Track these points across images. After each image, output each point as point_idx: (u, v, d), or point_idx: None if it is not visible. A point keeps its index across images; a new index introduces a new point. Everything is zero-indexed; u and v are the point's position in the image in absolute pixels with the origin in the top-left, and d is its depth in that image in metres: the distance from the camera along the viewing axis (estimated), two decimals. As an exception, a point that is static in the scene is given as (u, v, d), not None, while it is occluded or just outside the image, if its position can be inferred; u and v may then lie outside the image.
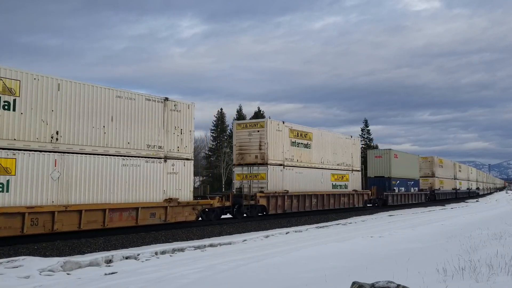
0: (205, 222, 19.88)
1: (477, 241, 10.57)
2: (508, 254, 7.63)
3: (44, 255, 12.76)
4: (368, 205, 35.46)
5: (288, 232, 20.13)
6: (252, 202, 22.15)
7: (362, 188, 34.12)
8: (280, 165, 24.40)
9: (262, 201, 22.66)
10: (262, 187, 23.17)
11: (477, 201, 60.78)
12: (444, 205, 46.38)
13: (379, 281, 5.80)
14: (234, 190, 23.56)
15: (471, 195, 75.39)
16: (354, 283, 6.01)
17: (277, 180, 24.00)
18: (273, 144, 23.98)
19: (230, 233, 19.04)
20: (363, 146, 73.30)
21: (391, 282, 5.72)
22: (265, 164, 23.42)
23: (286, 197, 24.40)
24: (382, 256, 10.82)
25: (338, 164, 30.35)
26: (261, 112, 74.34)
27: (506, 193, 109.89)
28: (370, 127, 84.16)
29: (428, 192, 49.72)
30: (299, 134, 26.36)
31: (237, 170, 24.26)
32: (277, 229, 21.13)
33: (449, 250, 9.46)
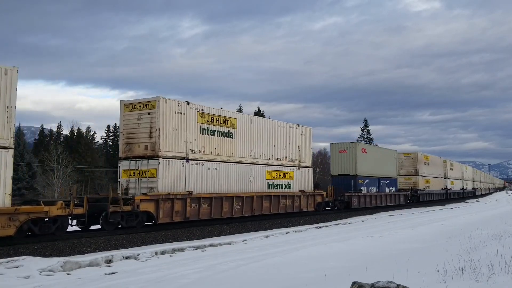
0: (205, 222, 19.81)
1: (477, 241, 10.57)
2: (508, 254, 7.63)
3: (44, 255, 12.75)
4: (327, 208, 29.97)
5: (288, 232, 20.14)
6: (128, 208, 16.28)
7: (316, 188, 28.64)
8: (182, 158, 18.57)
9: (146, 206, 16.88)
10: (152, 187, 17.78)
11: (477, 201, 60.77)
12: (444, 205, 46.36)
13: (379, 281, 5.80)
14: (120, 192, 18.34)
15: (466, 195, 70.38)
16: (354, 283, 6.01)
17: (175, 178, 18.25)
18: (170, 130, 18.32)
19: (230, 233, 19.04)
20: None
21: (391, 282, 5.72)
22: (155, 156, 17.82)
23: (189, 200, 18.36)
24: (382, 256, 10.82)
25: (277, 159, 24.54)
26: (261, 112, 74.34)
27: (506, 193, 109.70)
28: (370, 127, 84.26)
29: (409, 192, 44.17)
30: (215, 120, 20.52)
31: (123, 165, 18.68)
32: (277, 229, 21.13)
33: (449, 250, 9.46)
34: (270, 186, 23.85)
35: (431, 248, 11.15)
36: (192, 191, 18.64)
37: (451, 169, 62.55)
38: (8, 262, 11.20)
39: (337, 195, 30.40)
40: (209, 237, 17.71)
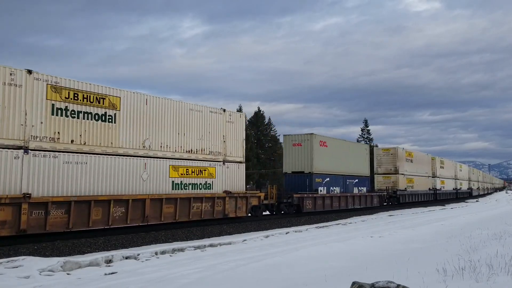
0: (205, 222, 19.83)
1: (477, 241, 10.57)
2: (508, 254, 7.64)
3: (44, 255, 12.76)
4: (274, 213, 25.72)
5: (288, 232, 20.14)
6: None
7: (260, 190, 25.27)
8: (19, 148, 13.73)
9: None
10: None
11: (477, 201, 60.78)
12: (444, 205, 46.39)
13: (379, 281, 5.81)
14: None
15: (461, 196, 65.63)
16: (354, 283, 6.01)
17: (4, 174, 13.36)
18: None
19: (230, 233, 19.04)
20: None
21: (391, 282, 5.72)
22: None
23: (24, 206, 13.47)
24: (382, 256, 10.82)
25: (190, 152, 19.34)
26: (261, 112, 74.37)
27: (506, 193, 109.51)
28: (370, 127, 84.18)
29: (386, 193, 38.87)
30: (80, 97, 15.47)
31: None
32: (277, 229, 21.13)
33: (449, 250, 9.46)
34: (176, 186, 18.58)
35: (431, 248, 11.15)
36: (31, 193, 13.72)
37: (442, 167, 56.92)
38: (8, 262, 11.21)
39: (283, 196, 25.79)
40: (209, 237, 17.72)
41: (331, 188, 29.83)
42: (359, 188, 33.97)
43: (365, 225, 24.30)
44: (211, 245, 15.77)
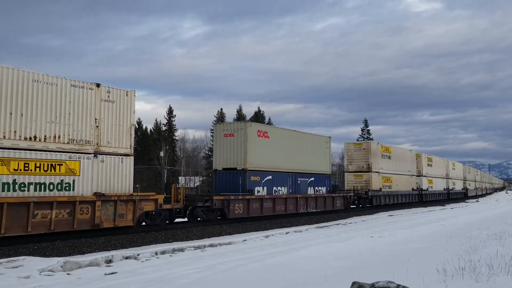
0: (205, 222, 19.80)
1: (477, 241, 10.57)
2: (508, 254, 7.64)
3: (44, 255, 12.76)
4: (177, 221, 20.08)
5: (288, 232, 20.14)
6: None
7: (140, 188, 20.46)
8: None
9: None
10: None
11: (477, 201, 60.79)
12: (444, 205, 46.40)
13: (379, 281, 5.80)
14: None
15: (454, 197, 59.92)
16: (354, 283, 6.01)
17: None
18: None
19: (230, 233, 19.05)
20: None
21: (391, 282, 5.72)
22: None
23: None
24: (382, 256, 10.82)
25: (31, 139, 13.94)
26: (261, 112, 74.38)
27: (506, 193, 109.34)
28: (370, 127, 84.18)
29: (352, 194, 32.75)
30: None
31: None
32: (277, 229, 21.14)
33: (449, 250, 9.46)
34: (4, 187, 13.19)
35: (431, 248, 11.15)
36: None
37: (429, 165, 50.85)
38: (8, 262, 11.21)
39: (198, 199, 19.98)
40: (209, 237, 17.72)
41: (275, 188, 24.13)
42: (316, 188, 27.94)
43: (365, 225, 24.30)
44: (211, 245, 15.77)
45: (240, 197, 21.51)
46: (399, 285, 5.60)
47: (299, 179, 26.41)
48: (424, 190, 47.56)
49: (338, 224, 24.65)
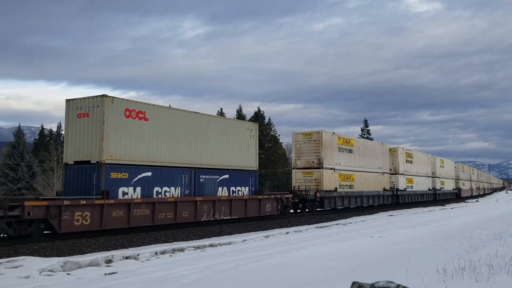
0: (205, 222, 19.80)
1: (477, 241, 10.57)
2: (508, 254, 7.64)
3: (44, 255, 12.76)
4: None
5: (288, 232, 20.15)
6: None
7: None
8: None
9: None
10: None
11: (477, 201, 60.84)
12: (444, 205, 46.41)
13: (379, 281, 5.80)
14: None
15: (442, 198, 53.84)
16: (354, 283, 6.01)
17: None
18: None
19: (230, 233, 19.05)
20: None
21: (391, 282, 5.72)
22: None
23: None
24: (382, 256, 10.82)
25: None
26: (261, 112, 74.37)
27: (506, 193, 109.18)
28: (370, 127, 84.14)
29: (292, 195, 25.83)
30: None
31: None
32: (277, 229, 21.15)
33: (449, 250, 9.47)
34: None
35: (431, 248, 11.15)
36: None
37: (408, 161, 43.47)
38: (8, 262, 11.21)
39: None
40: (209, 237, 17.73)
41: (157, 189, 17.79)
42: (233, 188, 21.43)
43: (365, 225, 24.30)
44: (211, 245, 15.77)
45: (84, 202, 14.86)
46: (399, 285, 5.60)
47: (203, 176, 19.87)
48: (401, 190, 40.50)
49: (338, 224, 24.65)
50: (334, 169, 29.85)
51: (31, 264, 11.09)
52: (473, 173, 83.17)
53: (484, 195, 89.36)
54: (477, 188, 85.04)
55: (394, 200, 39.45)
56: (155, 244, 15.64)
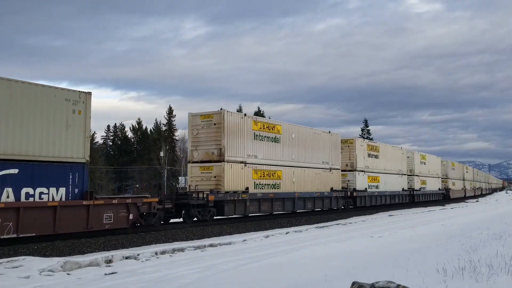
0: (205, 222, 19.77)
1: (477, 241, 10.57)
2: (508, 254, 7.64)
3: (44, 255, 12.76)
4: None
5: (288, 232, 20.15)
6: None
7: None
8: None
9: None
10: None
11: (477, 201, 60.83)
12: (444, 205, 46.41)
13: (379, 281, 5.80)
14: None
15: (421, 200, 46.00)
16: (354, 283, 6.01)
17: None
18: None
19: (230, 233, 19.05)
20: None
21: (391, 282, 5.72)
22: None
23: None
24: (382, 256, 10.81)
25: None
26: (261, 112, 74.37)
27: (506, 193, 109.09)
28: (370, 127, 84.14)
29: (158, 200, 17.70)
30: None
31: None
32: (277, 229, 21.15)
33: (449, 250, 9.47)
34: None
35: (431, 248, 11.15)
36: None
37: (372, 155, 35.27)
38: (8, 262, 11.21)
39: None
40: (209, 237, 17.72)
41: None
42: (32, 190, 13.59)
43: (365, 225, 24.30)
44: (211, 245, 15.77)
45: None
46: (399, 285, 5.60)
47: None
48: (360, 191, 32.64)
49: (338, 224, 24.65)
50: (246, 163, 21.74)
51: (31, 264, 11.08)
52: (467, 172, 73.93)
53: (481, 195, 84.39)
54: (472, 188, 77.22)
55: (350, 203, 31.64)
56: (155, 244, 15.64)
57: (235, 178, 21.26)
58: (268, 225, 21.95)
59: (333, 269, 9.20)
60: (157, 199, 17.83)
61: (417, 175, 45.57)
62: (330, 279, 7.75)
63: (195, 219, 19.81)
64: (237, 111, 74.22)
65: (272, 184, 23.67)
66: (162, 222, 18.28)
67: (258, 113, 72.92)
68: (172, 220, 19.89)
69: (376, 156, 35.99)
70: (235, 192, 21.08)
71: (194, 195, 19.90)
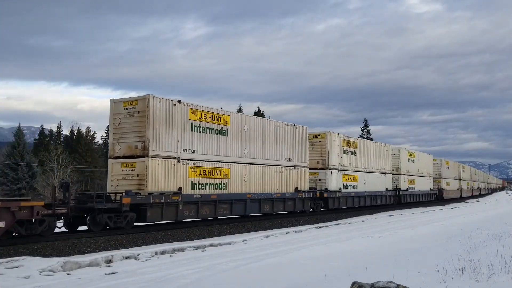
0: (205, 222, 19.79)
1: (477, 241, 10.58)
2: (508, 254, 7.64)
3: (44, 255, 12.76)
4: None
5: (288, 232, 20.16)
6: None
7: None
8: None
9: None
10: None
11: (477, 201, 60.85)
12: (444, 205, 46.42)
13: (379, 281, 5.81)
14: None
15: (412, 201, 43.31)
16: (354, 283, 6.01)
17: None
18: None
19: (230, 233, 19.05)
20: None
21: (391, 282, 5.73)
22: None
23: None
24: (382, 256, 10.82)
25: None
26: (261, 112, 74.33)
27: (506, 193, 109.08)
28: (370, 127, 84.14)
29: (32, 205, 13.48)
30: None
31: None
32: (277, 229, 21.15)
33: (449, 250, 9.47)
34: None
35: (431, 248, 11.15)
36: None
37: (349, 152, 31.55)
38: (8, 262, 11.21)
39: None
40: (209, 237, 17.72)
41: None
42: None
43: (365, 225, 24.30)
44: (211, 245, 15.77)
45: None
46: (399, 285, 5.61)
47: None
48: (332, 191, 28.70)
49: (338, 224, 24.65)
50: (180, 159, 18.13)
51: (31, 264, 11.09)
52: (463, 171, 69.60)
53: (480, 195, 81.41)
54: (470, 188, 72.90)
55: (320, 205, 28.06)
56: (155, 244, 15.64)
57: (164, 177, 17.52)
58: (268, 225, 21.96)
59: (333, 269, 9.20)
60: (42, 203, 14.19)
61: (404, 174, 41.84)
62: (330, 279, 7.75)
63: (108, 227, 16.12)
64: (237, 111, 74.11)
65: (217, 183, 19.98)
66: (58, 229, 15.24)
67: (258, 113, 72.79)
68: (80, 228, 16.35)
69: (353, 153, 32.19)
70: (162, 193, 17.29)
71: (112, 197, 16.69)
